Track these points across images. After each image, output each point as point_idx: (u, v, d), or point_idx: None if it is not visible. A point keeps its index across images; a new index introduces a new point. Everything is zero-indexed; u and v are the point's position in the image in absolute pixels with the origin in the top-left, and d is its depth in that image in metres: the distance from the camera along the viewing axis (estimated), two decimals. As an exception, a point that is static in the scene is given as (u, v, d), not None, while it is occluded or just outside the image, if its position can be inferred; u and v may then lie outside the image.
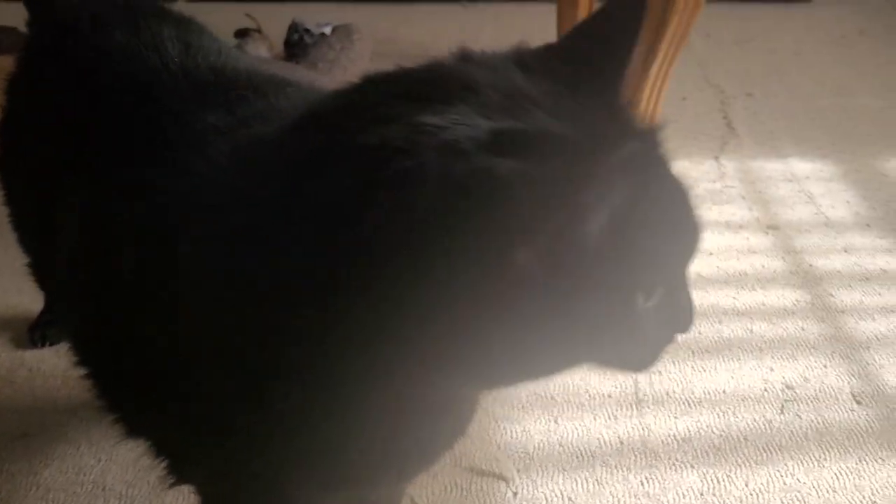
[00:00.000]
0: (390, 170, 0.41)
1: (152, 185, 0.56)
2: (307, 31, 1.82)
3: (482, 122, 0.42)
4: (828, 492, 0.93)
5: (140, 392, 0.58)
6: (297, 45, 1.80)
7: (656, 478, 0.94)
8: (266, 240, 0.46)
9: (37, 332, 1.10)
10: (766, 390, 1.07)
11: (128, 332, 0.56)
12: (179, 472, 0.61)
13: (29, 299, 1.11)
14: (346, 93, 0.50)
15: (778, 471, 0.95)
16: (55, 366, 1.06)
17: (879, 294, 1.26)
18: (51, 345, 1.09)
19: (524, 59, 0.49)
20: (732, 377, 1.09)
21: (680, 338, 0.53)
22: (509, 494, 0.92)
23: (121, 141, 0.62)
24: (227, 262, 0.48)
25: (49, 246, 0.69)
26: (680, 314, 0.51)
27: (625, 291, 0.46)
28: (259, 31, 1.87)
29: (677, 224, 0.48)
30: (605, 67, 0.49)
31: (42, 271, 0.88)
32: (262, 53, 1.79)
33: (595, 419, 1.01)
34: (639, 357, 0.51)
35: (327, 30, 1.82)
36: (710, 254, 1.33)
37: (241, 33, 1.85)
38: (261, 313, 0.47)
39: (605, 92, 0.48)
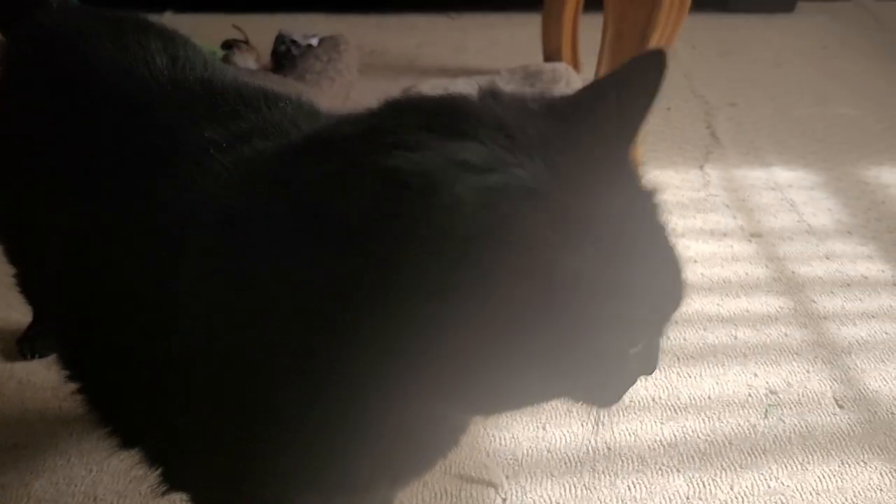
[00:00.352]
0: (406, 196, 0.42)
1: (152, 198, 0.57)
2: (294, 42, 1.82)
3: (508, 158, 0.44)
4: (811, 494, 0.94)
5: (137, 402, 0.58)
6: (285, 56, 1.81)
7: (643, 482, 0.95)
8: (279, 257, 0.47)
9: (26, 345, 1.09)
10: (750, 395, 1.09)
11: (125, 345, 0.56)
12: (174, 480, 0.62)
13: (18, 312, 1.11)
14: (367, 116, 0.50)
15: (762, 474, 0.97)
16: (45, 378, 1.06)
17: (860, 300, 1.28)
18: (40, 357, 1.09)
19: (553, 106, 0.49)
20: (717, 383, 1.11)
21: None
22: (499, 501, 0.93)
23: (114, 153, 0.62)
24: (236, 277, 0.49)
25: (37, 258, 0.69)
26: (651, 359, 0.54)
27: (621, 339, 0.48)
28: (246, 42, 1.88)
29: (669, 279, 0.51)
30: (619, 124, 0.49)
31: (29, 284, 0.88)
32: (250, 65, 1.80)
33: (583, 425, 1.02)
34: (610, 395, 0.54)
35: (314, 41, 1.83)
36: (695, 261, 1.35)
37: (229, 44, 1.86)
38: (271, 327, 0.48)
39: (615, 146, 0.49)
